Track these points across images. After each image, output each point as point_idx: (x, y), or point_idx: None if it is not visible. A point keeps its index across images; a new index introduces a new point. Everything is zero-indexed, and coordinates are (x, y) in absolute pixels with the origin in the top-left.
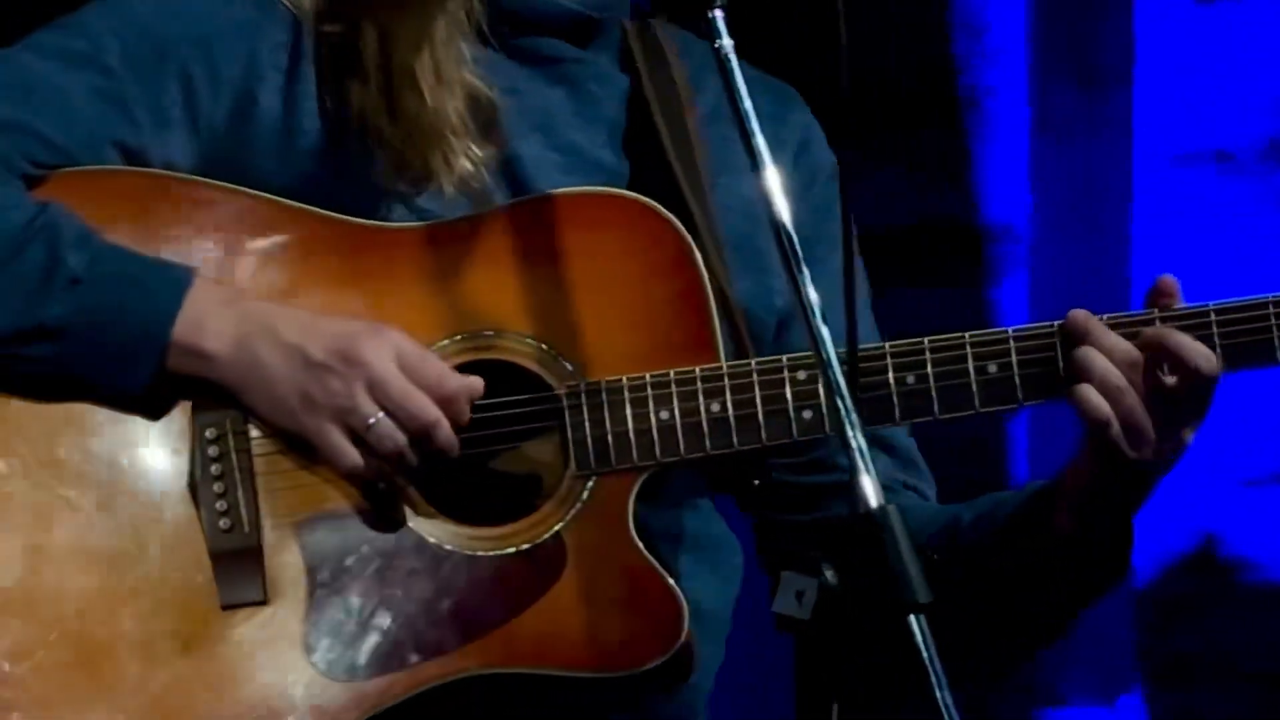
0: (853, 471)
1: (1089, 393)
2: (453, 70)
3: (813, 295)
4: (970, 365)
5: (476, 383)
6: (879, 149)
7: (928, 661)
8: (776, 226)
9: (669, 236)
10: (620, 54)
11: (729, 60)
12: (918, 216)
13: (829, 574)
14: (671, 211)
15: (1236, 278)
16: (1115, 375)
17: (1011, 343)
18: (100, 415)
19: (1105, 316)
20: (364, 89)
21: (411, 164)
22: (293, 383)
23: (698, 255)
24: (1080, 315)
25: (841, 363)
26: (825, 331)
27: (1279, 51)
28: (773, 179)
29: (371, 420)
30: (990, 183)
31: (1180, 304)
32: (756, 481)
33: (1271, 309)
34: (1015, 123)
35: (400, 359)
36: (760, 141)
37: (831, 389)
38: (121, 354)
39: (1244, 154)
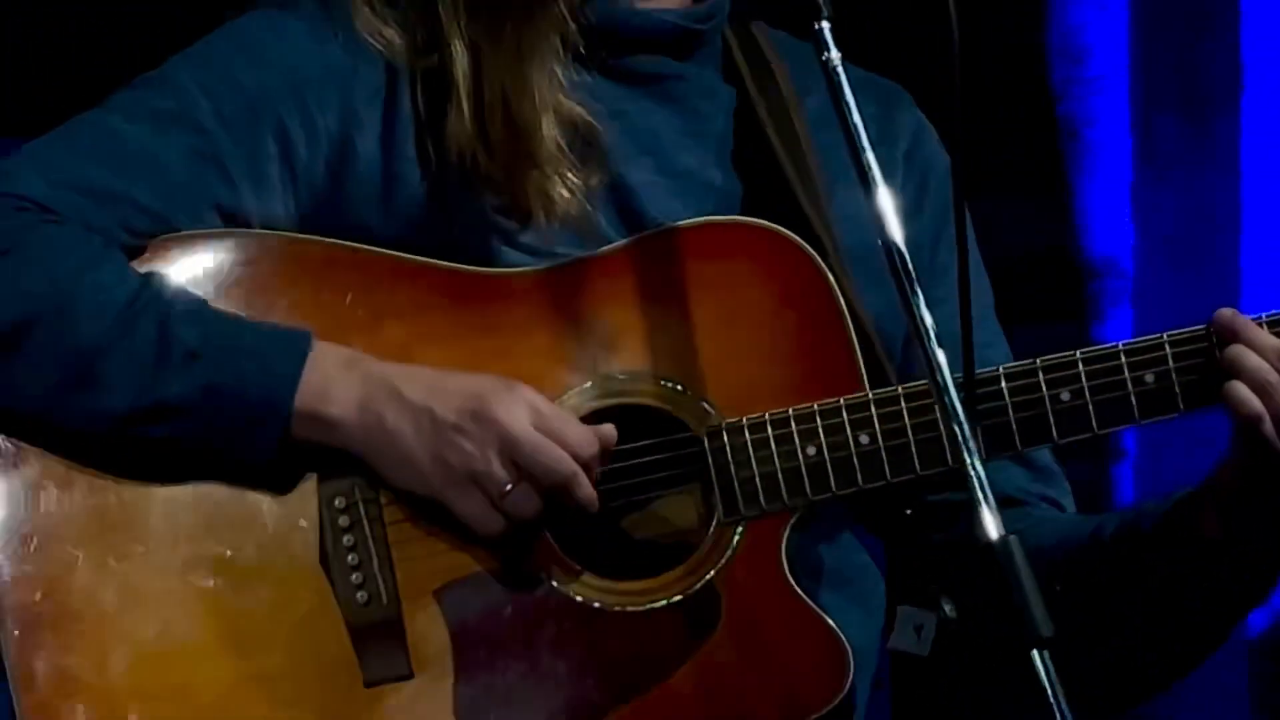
0: (973, 503)
1: (1240, 389)
2: (547, 96)
3: (928, 318)
4: (1128, 376)
5: (610, 432)
6: (977, 178)
7: (1052, 699)
8: (890, 249)
9: (800, 262)
10: (724, 65)
11: (837, 74)
12: (1018, 250)
13: (948, 608)
14: (793, 230)
15: None
16: (1267, 370)
17: (1168, 349)
18: (221, 495)
19: (1253, 317)
20: (459, 121)
21: (511, 197)
22: (424, 446)
23: (832, 280)
24: (1228, 314)
25: (966, 385)
26: (942, 356)
27: None
28: (885, 199)
29: (508, 486)
30: (1093, 215)
31: None
32: (909, 511)
33: None
34: (1118, 153)
35: (533, 413)
36: (871, 158)
37: (950, 416)
38: (245, 427)
39: None
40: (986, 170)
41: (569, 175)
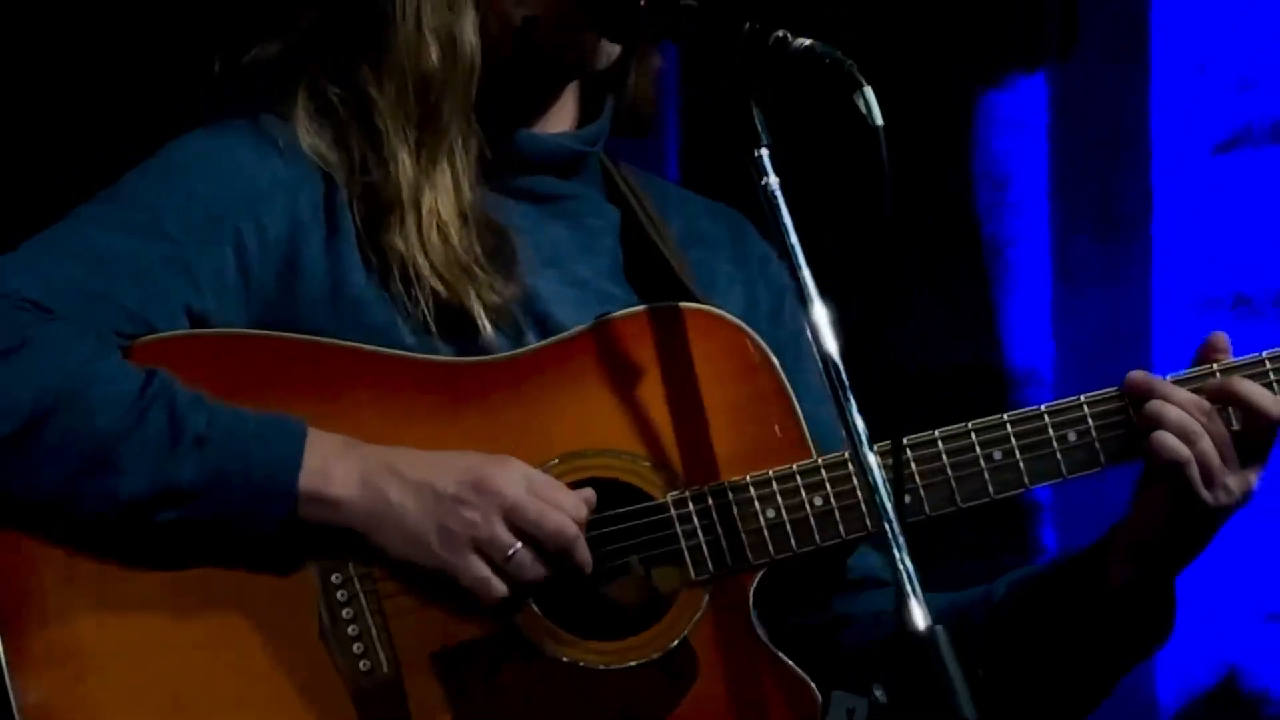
0: (899, 595)
1: (1167, 438)
2: (478, 210)
3: (860, 422)
4: (1052, 435)
5: (592, 496)
6: (910, 296)
7: None
8: (825, 360)
9: (742, 341)
10: (603, 187)
11: (775, 198)
12: (948, 362)
13: (879, 693)
14: None
15: None
16: (1189, 420)
17: (1086, 409)
18: (223, 582)
19: (1167, 376)
20: (401, 233)
21: (449, 303)
22: (428, 518)
23: (772, 356)
24: (1140, 375)
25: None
26: (874, 460)
27: None
28: (820, 313)
29: (511, 550)
30: (1015, 329)
31: (1231, 358)
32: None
33: None
34: (1038, 271)
35: (529, 484)
36: (808, 275)
37: (877, 505)
38: (253, 509)
39: (1260, 298)
40: (916, 288)
41: (499, 281)
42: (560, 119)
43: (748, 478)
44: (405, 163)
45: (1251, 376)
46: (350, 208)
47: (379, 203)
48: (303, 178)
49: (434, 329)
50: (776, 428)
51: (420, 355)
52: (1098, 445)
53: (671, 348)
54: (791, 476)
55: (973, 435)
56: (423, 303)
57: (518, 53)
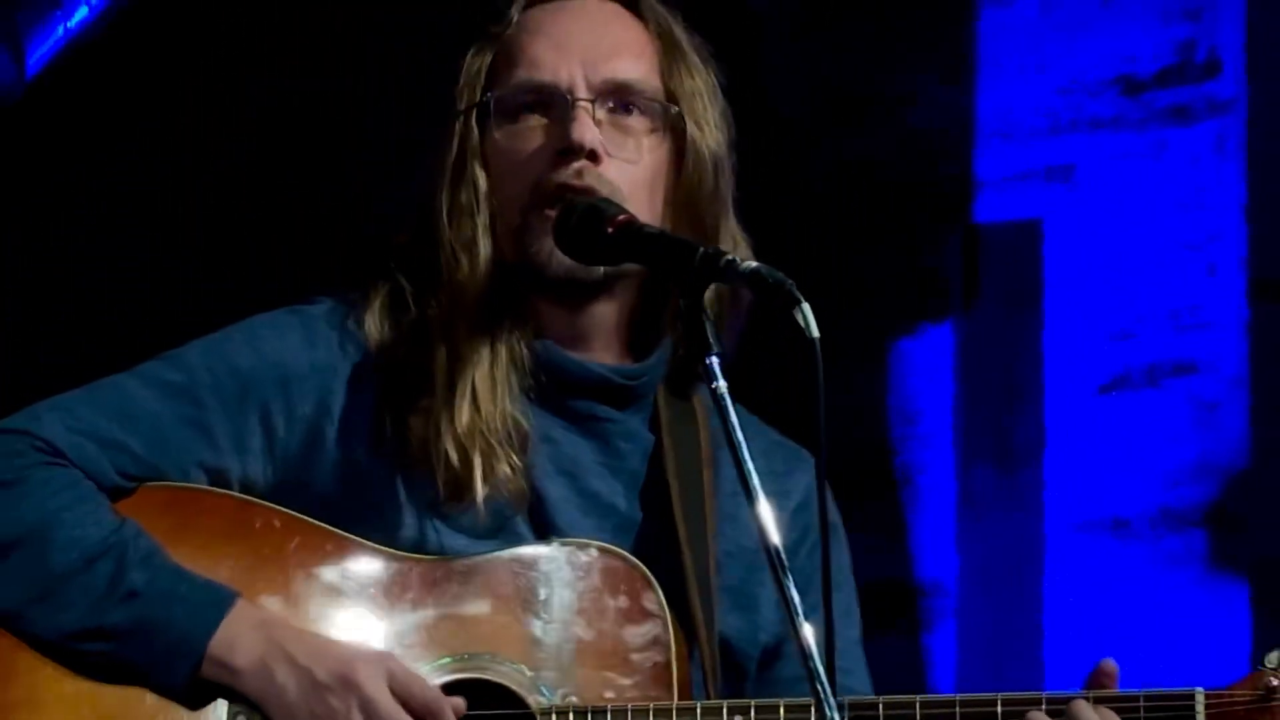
0: None
1: None
2: (504, 393)
3: (796, 596)
4: None
5: (459, 703)
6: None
7: None
8: (769, 550)
9: (644, 589)
10: (652, 416)
11: (724, 399)
12: (866, 575)
13: None
14: (667, 560)
15: (1131, 630)
16: None
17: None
18: (149, 701)
19: (1047, 693)
20: (430, 401)
21: (457, 471)
22: (302, 700)
23: (666, 609)
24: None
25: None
26: (814, 646)
27: (1165, 432)
28: (764, 509)
29: None
30: (923, 547)
31: (1116, 687)
32: None
33: (1200, 699)
34: (943, 497)
35: (391, 680)
36: (752, 469)
37: (811, 673)
38: (165, 658)
39: (1137, 521)
40: (843, 508)
41: (512, 455)
42: (602, 345)
43: (608, 706)
44: (439, 345)
45: (1123, 710)
46: (376, 385)
47: (408, 378)
48: (342, 362)
49: (434, 509)
50: (656, 668)
51: (379, 547)
52: None
53: (586, 582)
54: (668, 711)
55: (917, 708)
56: (431, 475)
57: (519, 260)
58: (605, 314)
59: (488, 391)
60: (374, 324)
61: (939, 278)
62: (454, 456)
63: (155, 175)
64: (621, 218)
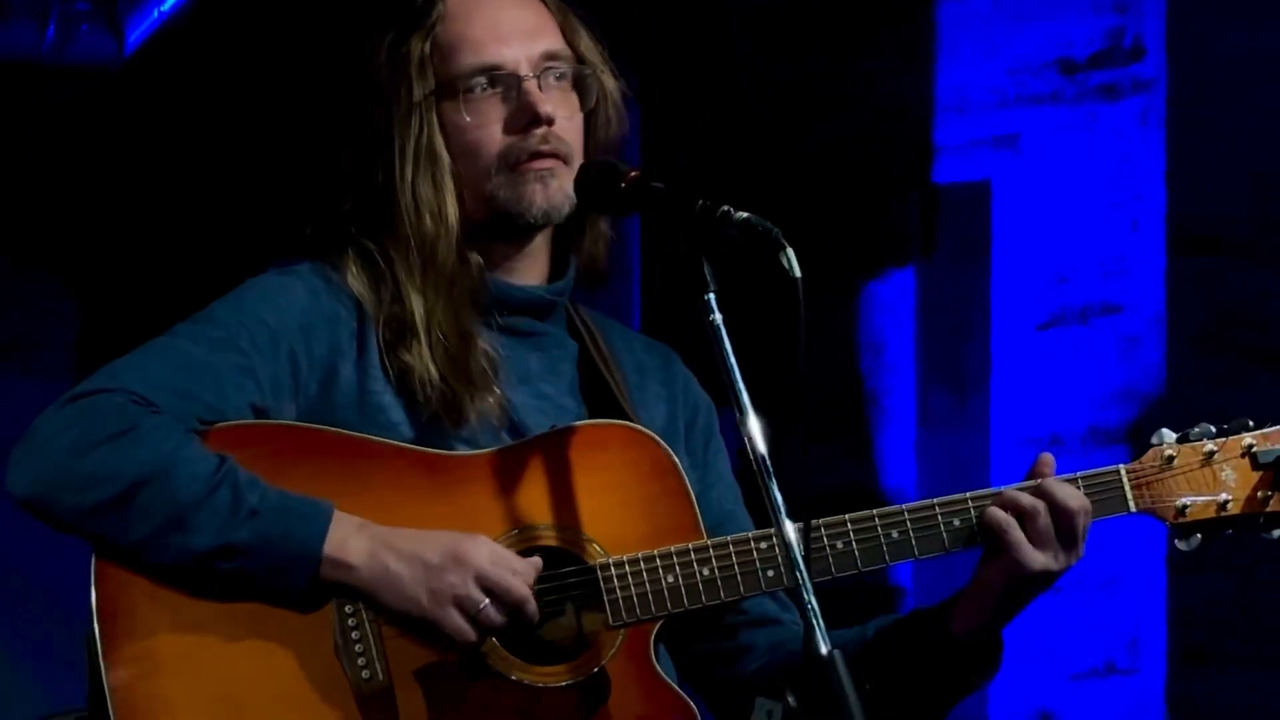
0: (806, 625)
1: (995, 510)
2: (474, 336)
3: (779, 497)
4: (940, 522)
5: (539, 563)
6: (812, 433)
7: None
8: (756, 458)
9: (656, 451)
10: (567, 326)
11: (720, 331)
12: (833, 483)
13: (791, 699)
14: None
15: None
16: (1016, 501)
17: (970, 503)
18: (264, 611)
19: (1001, 488)
20: (418, 353)
21: (452, 403)
22: (419, 582)
23: (678, 461)
24: (995, 513)
25: (801, 535)
26: (790, 527)
27: (1094, 363)
28: (754, 423)
29: (482, 605)
30: (887, 459)
31: (1054, 475)
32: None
33: (1124, 472)
34: (905, 416)
35: (493, 556)
36: (743, 391)
37: (792, 562)
38: (289, 564)
39: (1070, 437)
40: (817, 427)
41: (494, 388)
42: (533, 272)
43: (655, 552)
44: (416, 300)
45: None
46: (377, 333)
47: (399, 329)
48: (344, 311)
49: (434, 426)
50: (678, 516)
51: (420, 448)
52: (975, 527)
53: (606, 452)
54: (687, 553)
55: (876, 520)
56: (430, 403)
57: (488, 215)
58: (540, 244)
59: (457, 337)
60: (354, 279)
61: (903, 230)
62: (445, 392)
63: (241, 152)
64: (632, 174)
